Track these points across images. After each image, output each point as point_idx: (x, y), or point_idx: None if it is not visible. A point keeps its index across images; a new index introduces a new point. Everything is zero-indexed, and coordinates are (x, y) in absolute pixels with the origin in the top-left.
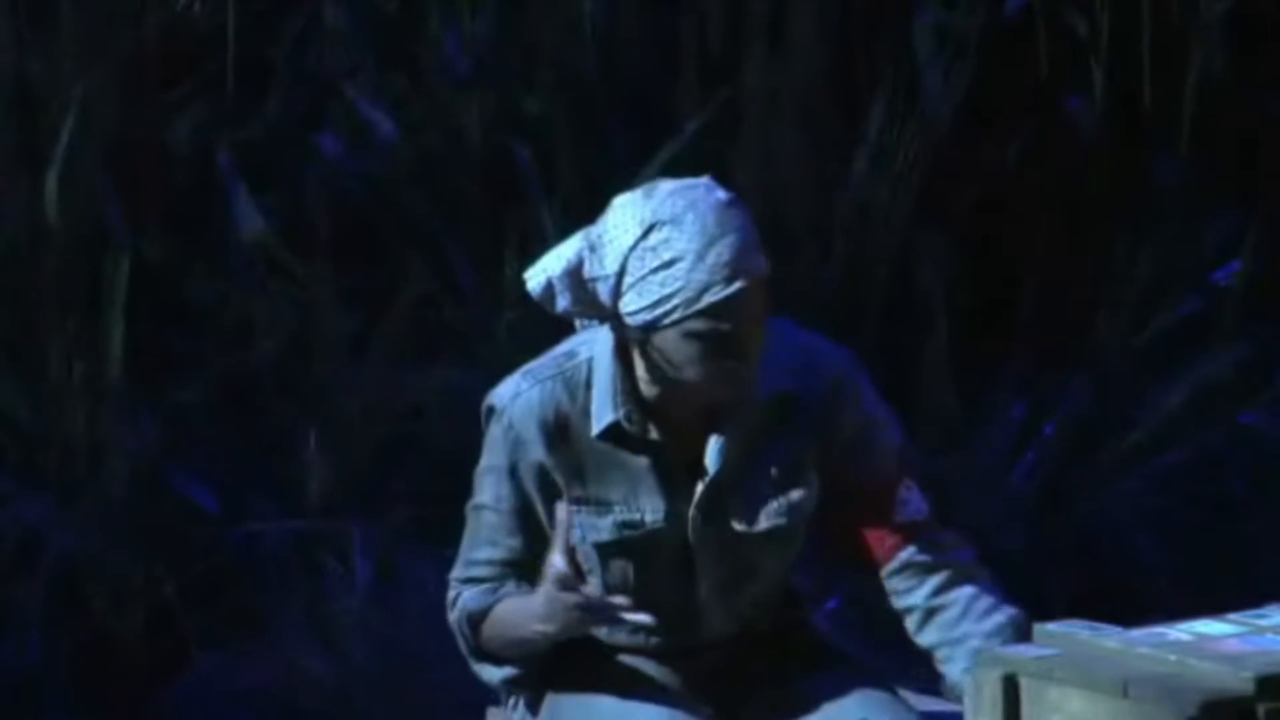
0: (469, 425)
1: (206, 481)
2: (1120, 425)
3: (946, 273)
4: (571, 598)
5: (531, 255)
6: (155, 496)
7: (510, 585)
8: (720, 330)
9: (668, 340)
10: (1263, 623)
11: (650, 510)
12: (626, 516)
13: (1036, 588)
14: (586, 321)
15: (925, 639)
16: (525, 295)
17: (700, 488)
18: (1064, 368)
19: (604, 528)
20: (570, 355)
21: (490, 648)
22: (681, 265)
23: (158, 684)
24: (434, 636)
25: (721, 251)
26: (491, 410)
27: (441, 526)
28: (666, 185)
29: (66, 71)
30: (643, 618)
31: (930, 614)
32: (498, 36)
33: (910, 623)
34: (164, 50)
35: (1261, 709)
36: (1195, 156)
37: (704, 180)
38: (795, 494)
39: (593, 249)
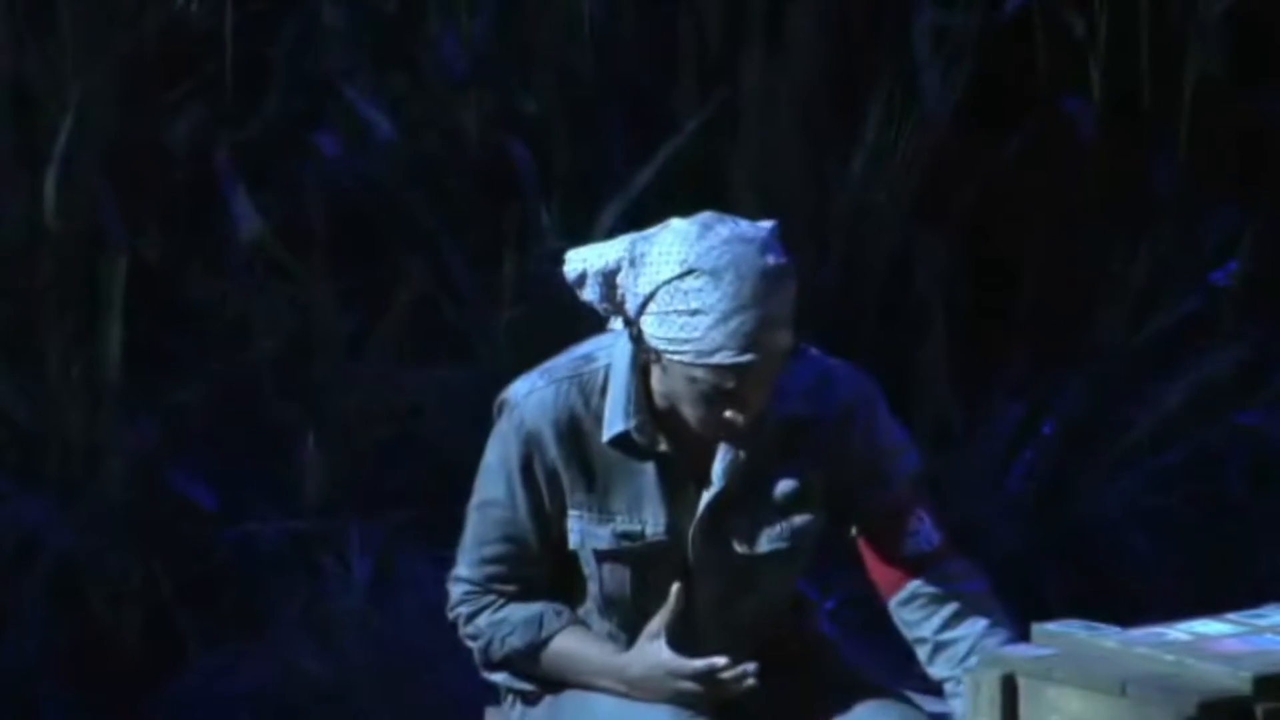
0: (467, 425)
1: (205, 481)
2: (1118, 425)
3: (944, 272)
4: (679, 674)
5: (530, 255)
6: (154, 496)
7: (550, 618)
8: (724, 387)
9: (674, 371)
10: (1261, 623)
11: (652, 523)
12: (627, 527)
13: (1034, 587)
14: (613, 318)
15: (935, 671)
16: (524, 295)
17: (703, 505)
18: (1062, 367)
19: (603, 536)
20: (589, 359)
21: (522, 669)
22: (704, 319)
23: (156, 684)
24: (433, 636)
25: (745, 321)
26: (504, 405)
27: (440, 526)
28: (724, 229)
29: (65, 71)
30: (749, 674)
31: (939, 648)
32: (496, 36)
33: (920, 654)
34: (162, 50)
35: (1259, 709)
36: (1194, 156)
37: (765, 232)
38: (799, 519)
39: (633, 263)
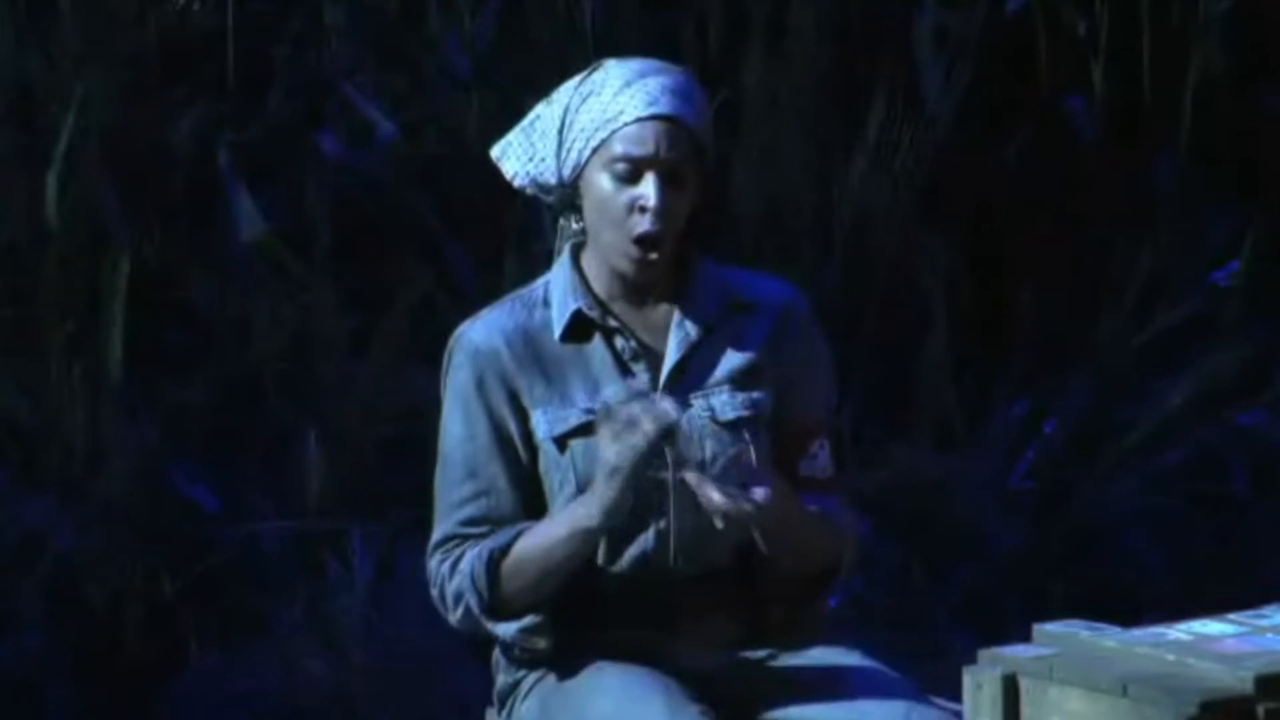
0: None
1: (206, 481)
2: (1120, 425)
3: (946, 272)
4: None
5: (531, 255)
6: (155, 496)
7: (523, 527)
8: (631, 155)
9: (594, 179)
10: (1262, 623)
11: (614, 401)
12: (591, 404)
13: (1035, 587)
14: (543, 195)
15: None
16: None
17: (664, 375)
18: (1064, 367)
19: (569, 416)
20: (527, 287)
21: (516, 583)
22: (609, 92)
23: (158, 684)
24: (434, 636)
25: (647, 84)
26: (453, 342)
27: None
28: None
29: (66, 71)
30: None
31: None
32: (498, 36)
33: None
34: (164, 50)
35: (1261, 709)
36: (1195, 156)
37: None
38: (755, 393)
39: (549, 103)
